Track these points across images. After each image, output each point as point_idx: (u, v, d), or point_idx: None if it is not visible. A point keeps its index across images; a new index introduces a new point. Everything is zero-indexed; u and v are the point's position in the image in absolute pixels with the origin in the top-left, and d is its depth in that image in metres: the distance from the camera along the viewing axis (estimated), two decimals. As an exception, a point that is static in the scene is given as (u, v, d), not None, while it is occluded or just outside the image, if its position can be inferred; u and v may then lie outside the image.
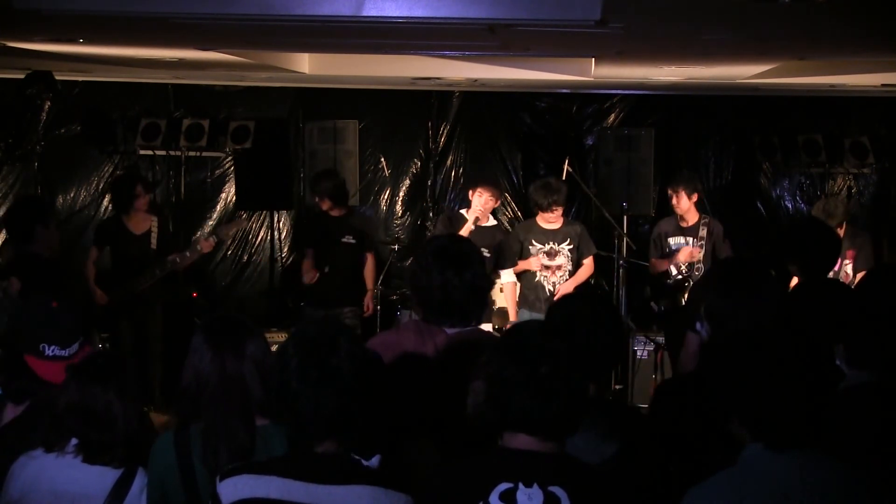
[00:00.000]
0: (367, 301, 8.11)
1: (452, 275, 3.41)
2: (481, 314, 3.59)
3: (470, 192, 7.66)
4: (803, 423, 2.51)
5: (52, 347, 3.50)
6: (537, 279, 7.66)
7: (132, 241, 7.80)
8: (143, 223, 7.83)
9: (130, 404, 3.17)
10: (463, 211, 7.72)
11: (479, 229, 7.38)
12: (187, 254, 7.74)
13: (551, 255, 7.64)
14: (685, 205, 7.81)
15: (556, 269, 7.65)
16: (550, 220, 7.63)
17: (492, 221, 7.71)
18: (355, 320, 7.93)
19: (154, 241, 7.79)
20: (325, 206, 8.09)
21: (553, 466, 2.40)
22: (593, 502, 2.39)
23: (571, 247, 7.68)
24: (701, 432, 2.95)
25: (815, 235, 4.73)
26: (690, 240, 7.82)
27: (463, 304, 3.44)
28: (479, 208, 7.39)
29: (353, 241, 7.97)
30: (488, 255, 6.85)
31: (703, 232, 7.78)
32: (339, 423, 2.53)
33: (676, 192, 7.83)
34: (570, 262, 7.70)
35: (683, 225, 7.87)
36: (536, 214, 7.76)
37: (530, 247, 7.67)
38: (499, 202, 7.73)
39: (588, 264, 7.81)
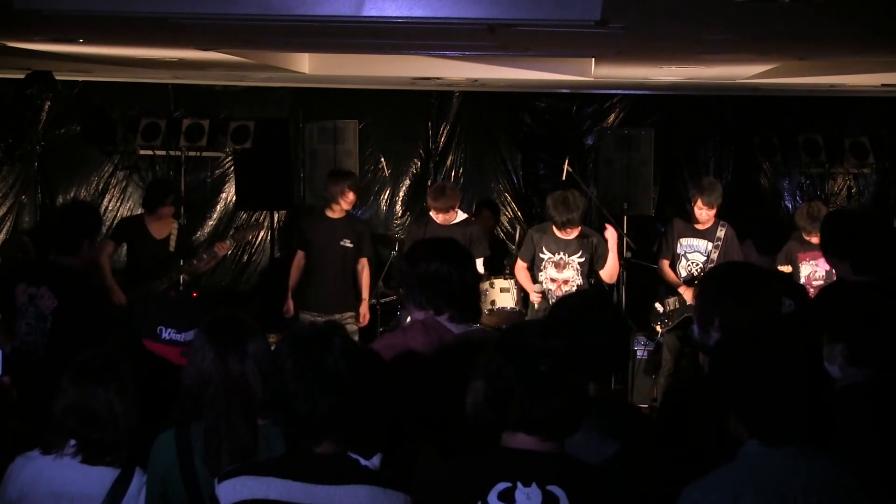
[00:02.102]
0: (363, 311, 7.88)
1: (466, 272, 3.53)
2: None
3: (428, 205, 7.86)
4: (800, 419, 2.51)
5: (168, 331, 3.57)
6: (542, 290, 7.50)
7: (153, 243, 7.67)
8: (165, 227, 7.72)
9: (130, 403, 3.18)
10: (432, 213, 7.82)
11: (448, 228, 7.50)
12: (205, 256, 7.73)
13: (559, 266, 7.31)
14: (706, 216, 7.63)
15: (563, 282, 7.29)
16: (566, 233, 7.31)
17: (460, 216, 7.75)
18: (353, 326, 7.85)
19: (173, 245, 7.72)
20: (347, 205, 7.82)
21: (552, 466, 2.40)
22: (592, 502, 2.39)
23: (583, 259, 7.29)
24: (703, 432, 2.95)
25: (872, 229, 4.48)
26: (704, 242, 7.70)
27: (476, 299, 3.61)
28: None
29: (350, 244, 7.81)
30: None
31: (720, 233, 7.65)
32: (337, 423, 2.52)
33: (694, 201, 7.63)
34: (581, 276, 7.31)
35: (699, 227, 7.70)
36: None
37: (541, 254, 7.37)
38: (449, 211, 7.66)
39: (604, 275, 7.44)
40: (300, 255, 7.89)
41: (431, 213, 7.79)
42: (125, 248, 7.76)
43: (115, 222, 10.57)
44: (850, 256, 4.29)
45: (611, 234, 7.34)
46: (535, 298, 7.43)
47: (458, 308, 3.54)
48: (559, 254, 7.34)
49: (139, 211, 10.51)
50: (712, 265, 7.50)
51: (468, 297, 3.56)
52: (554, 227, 7.29)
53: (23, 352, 5.01)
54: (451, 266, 3.51)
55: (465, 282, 3.53)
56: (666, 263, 7.86)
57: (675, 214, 8.27)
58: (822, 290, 4.42)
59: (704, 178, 8.29)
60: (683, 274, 7.77)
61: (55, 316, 4.93)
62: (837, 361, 3.23)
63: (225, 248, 7.88)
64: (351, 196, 7.78)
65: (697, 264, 7.71)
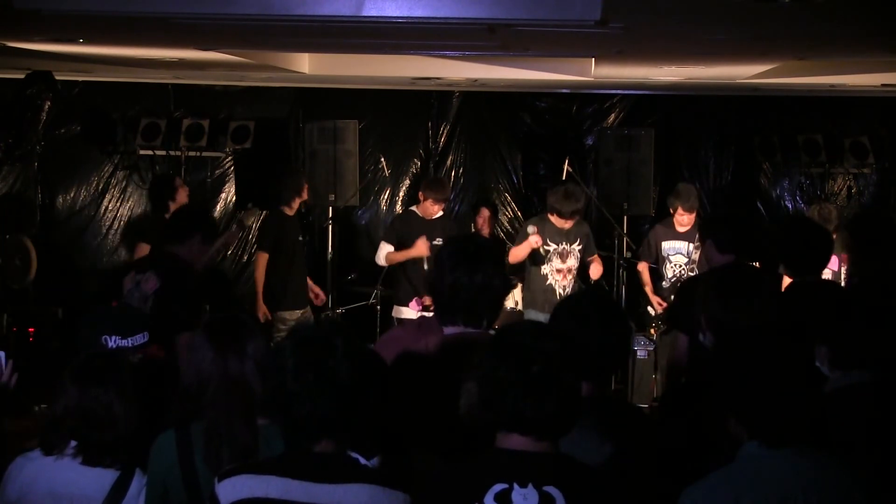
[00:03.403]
0: (319, 290, 8.30)
1: (462, 274, 3.41)
2: (494, 315, 3.56)
3: (421, 196, 7.93)
4: (799, 420, 2.51)
5: (113, 338, 3.61)
6: (549, 282, 7.60)
7: None
8: None
9: (130, 404, 3.17)
10: (413, 208, 8.02)
11: (432, 222, 7.70)
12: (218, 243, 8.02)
13: (564, 256, 7.58)
14: (686, 220, 7.78)
15: (567, 271, 7.59)
16: (567, 223, 7.58)
17: (439, 213, 7.88)
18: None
19: None
20: (298, 204, 8.14)
21: (548, 466, 2.40)
22: (589, 502, 2.39)
23: (581, 247, 7.65)
24: (703, 432, 2.95)
25: (805, 235, 4.69)
26: (685, 244, 7.84)
27: (470, 304, 3.42)
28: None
29: (302, 238, 8.26)
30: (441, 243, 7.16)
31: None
32: (335, 424, 2.52)
33: (675, 209, 7.81)
34: (578, 263, 7.68)
35: (679, 230, 7.85)
36: (550, 213, 7.60)
37: (546, 246, 7.59)
38: (445, 193, 7.94)
39: (597, 263, 7.74)
40: (265, 257, 7.96)
41: (418, 207, 7.92)
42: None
43: (114, 222, 10.68)
44: (785, 261, 4.50)
45: (595, 269, 7.68)
46: (535, 242, 7.49)
47: (445, 311, 3.46)
48: (562, 244, 7.61)
49: (139, 210, 10.61)
50: (694, 265, 7.64)
51: (457, 302, 3.41)
52: (553, 218, 7.52)
53: None
54: (449, 268, 3.41)
55: (457, 286, 3.39)
56: (645, 266, 8.10)
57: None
58: (807, 290, 4.45)
59: (679, 184, 8.32)
60: (669, 275, 7.93)
61: (156, 296, 5.02)
62: (825, 363, 3.24)
63: (234, 236, 8.21)
64: (300, 201, 8.16)
65: (681, 266, 7.86)
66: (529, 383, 2.37)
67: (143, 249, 7.79)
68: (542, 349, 2.40)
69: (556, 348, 2.42)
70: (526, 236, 7.63)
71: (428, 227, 7.68)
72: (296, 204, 8.08)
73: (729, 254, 4.98)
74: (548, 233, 7.58)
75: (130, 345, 3.61)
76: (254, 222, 10.48)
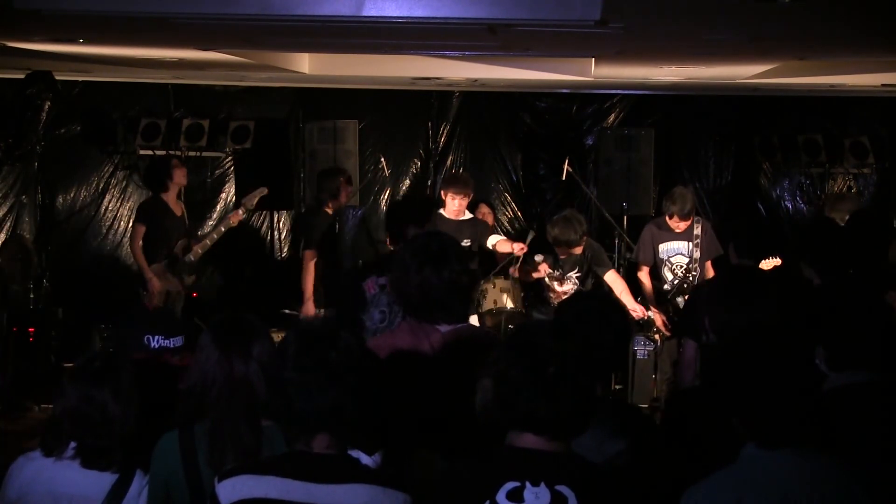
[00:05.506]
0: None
1: (430, 273, 3.39)
2: (465, 311, 3.57)
3: (442, 194, 7.72)
4: (799, 421, 2.52)
5: (156, 338, 3.68)
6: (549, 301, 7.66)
7: (176, 220, 8.10)
8: (178, 206, 8.19)
9: (127, 406, 3.16)
10: (440, 210, 7.72)
11: (456, 224, 7.45)
12: (222, 228, 8.19)
13: (560, 280, 7.60)
14: (683, 226, 7.64)
15: (564, 294, 7.52)
16: (573, 251, 7.52)
17: (467, 215, 7.72)
18: None
19: (187, 221, 8.30)
20: (346, 198, 8.15)
21: (560, 466, 2.40)
22: (600, 501, 2.39)
23: (580, 274, 7.60)
24: (708, 433, 2.95)
25: (832, 237, 4.66)
26: (684, 244, 7.72)
27: (442, 302, 3.42)
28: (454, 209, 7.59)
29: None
30: (468, 244, 7.09)
31: (697, 230, 7.67)
32: (332, 417, 2.51)
33: (671, 215, 7.61)
34: (580, 285, 7.59)
35: (676, 230, 7.69)
36: (557, 246, 7.50)
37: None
38: (467, 198, 7.65)
39: (614, 280, 7.55)
40: (313, 255, 7.80)
41: (444, 209, 7.60)
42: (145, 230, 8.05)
43: (114, 222, 10.69)
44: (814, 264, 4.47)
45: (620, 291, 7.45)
46: (543, 270, 7.49)
47: (415, 311, 3.45)
48: (558, 270, 7.61)
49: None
50: (695, 264, 7.58)
51: (428, 301, 3.41)
52: (560, 249, 7.49)
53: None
54: (415, 268, 3.41)
55: (426, 285, 3.39)
56: (646, 270, 7.90)
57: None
58: (817, 291, 4.46)
59: (676, 187, 8.03)
60: (670, 277, 7.80)
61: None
62: (823, 363, 3.23)
63: (238, 217, 8.25)
64: (339, 200, 8.07)
65: (682, 266, 7.74)
66: (544, 384, 2.37)
67: (140, 231, 7.93)
68: (559, 350, 2.40)
69: (573, 349, 2.42)
70: (531, 262, 7.58)
71: (453, 230, 7.02)
72: (332, 205, 7.97)
73: (747, 258, 4.99)
74: (547, 258, 7.56)
75: (172, 345, 3.66)
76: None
